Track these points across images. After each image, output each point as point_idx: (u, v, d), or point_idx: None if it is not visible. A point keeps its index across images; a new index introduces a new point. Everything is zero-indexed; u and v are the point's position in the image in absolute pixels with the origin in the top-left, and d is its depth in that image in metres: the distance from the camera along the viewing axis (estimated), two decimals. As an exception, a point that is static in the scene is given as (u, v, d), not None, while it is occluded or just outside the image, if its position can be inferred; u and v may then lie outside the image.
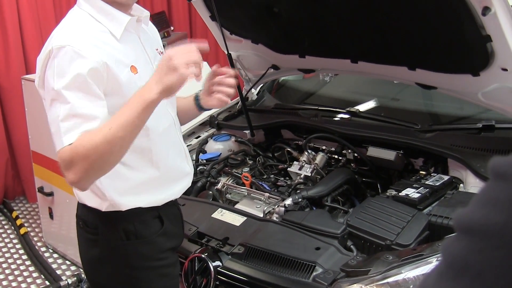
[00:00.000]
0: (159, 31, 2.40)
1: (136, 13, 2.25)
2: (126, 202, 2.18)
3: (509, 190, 0.80)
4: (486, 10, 2.32)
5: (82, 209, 2.30)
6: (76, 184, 1.95)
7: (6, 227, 5.72)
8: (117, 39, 2.12)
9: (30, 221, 5.79)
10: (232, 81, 2.39)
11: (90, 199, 2.22)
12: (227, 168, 3.26)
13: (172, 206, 2.38)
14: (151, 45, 2.34)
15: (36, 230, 5.55)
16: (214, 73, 2.44)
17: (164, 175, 2.28)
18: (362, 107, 3.47)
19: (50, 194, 4.78)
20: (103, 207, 2.19)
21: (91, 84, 1.96)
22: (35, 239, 5.40)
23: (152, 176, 2.24)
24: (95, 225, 2.26)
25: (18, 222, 5.69)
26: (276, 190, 2.99)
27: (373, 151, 3.03)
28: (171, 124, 2.34)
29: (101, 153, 1.88)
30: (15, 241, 5.41)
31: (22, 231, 5.50)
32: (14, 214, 5.90)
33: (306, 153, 3.16)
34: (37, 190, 4.96)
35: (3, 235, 5.54)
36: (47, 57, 2.00)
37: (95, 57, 1.98)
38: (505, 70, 2.54)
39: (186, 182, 2.44)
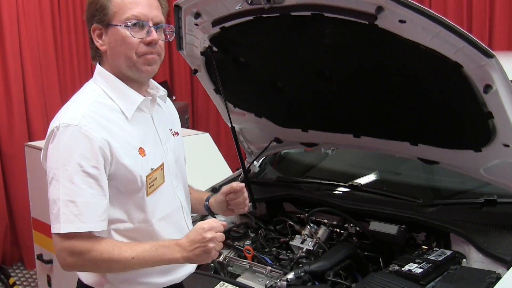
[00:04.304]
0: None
1: (152, 91, 2.29)
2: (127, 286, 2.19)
3: None
4: (487, 88, 2.37)
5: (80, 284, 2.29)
6: (65, 268, 2.07)
7: (3, 294, 5.67)
8: (128, 118, 2.15)
9: (28, 288, 5.74)
10: (246, 197, 2.57)
11: (90, 277, 2.23)
12: (229, 241, 3.24)
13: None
14: (165, 125, 2.36)
15: (34, 297, 5.50)
16: (229, 190, 2.54)
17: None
18: (364, 181, 3.49)
19: (49, 261, 4.73)
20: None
21: (97, 170, 2.03)
22: (33, 306, 5.34)
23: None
24: None
25: (15, 289, 5.65)
26: (278, 264, 2.98)
27: (375, 226, 3.02)
28: (177, 208, 2.35)
29: (110, 269, 2.10)
30: (12, 308, 5.36)
31: (19, 298, 5.45)
32: (12, 280, 5.85)
33: (308, 226, 3.16)
34: (36, 257, 4.91)
35: (0, 302, 5.49)
36: (53, 133, 2.04)
37: (100, 138, 2.03)
38: (507, 146, 2.57)
39: (190, 268, 2.42)
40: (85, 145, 2.01)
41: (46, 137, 2.08)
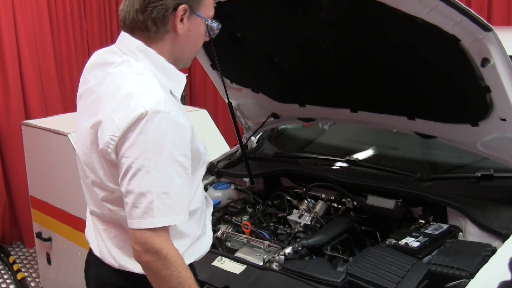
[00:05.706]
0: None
1: None
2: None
3: None
4: (485, 61, 2.36)
5: (116, 274, 2.19)
6: (147, 264, 1.95)
7: (2, 272, 5.68)
8: (177, 99, 2.08)
9: (27, 266, 5.77)
10: None
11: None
12: (226, 216, 3.27)
13: None
14: None
15: (33, 275, 5.52)
16: None
17: (203, 232, 2.28)
18: (361, 156, 3.49)
19: (48, 239, 4.74)
20: None
21: (186, 158, 1.96)
22: (32, 284, 5.36)
23: (197, 235, 2.23)
24: None
25: (15, 267, 5.66)
26: (275, 239, 2.99)
27: (373, 200, 3.03)
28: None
29: (167, 280, 1.93)
30: (12, 286, 5.37)
31: (19, 276, 5.47)
32: (11, 259, 5.88)
33: (305, 201, 3.17)
34: (35, 235, 4.92)
35: (0, 280, 5.50)
36: (138, 120, 1.86)
37: (188, 125, 1.97)
38: (504, 120, 2.57)
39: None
40: (176, 132, 1.91)
41: (126, 125, 1.87)
